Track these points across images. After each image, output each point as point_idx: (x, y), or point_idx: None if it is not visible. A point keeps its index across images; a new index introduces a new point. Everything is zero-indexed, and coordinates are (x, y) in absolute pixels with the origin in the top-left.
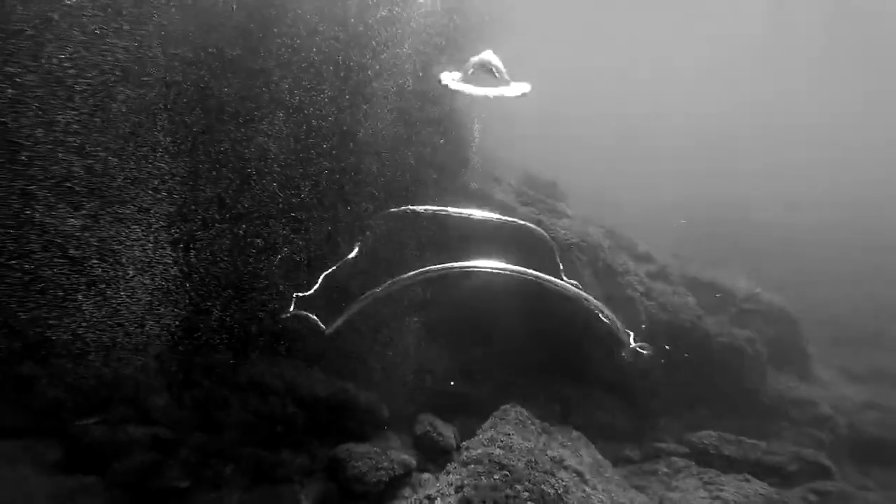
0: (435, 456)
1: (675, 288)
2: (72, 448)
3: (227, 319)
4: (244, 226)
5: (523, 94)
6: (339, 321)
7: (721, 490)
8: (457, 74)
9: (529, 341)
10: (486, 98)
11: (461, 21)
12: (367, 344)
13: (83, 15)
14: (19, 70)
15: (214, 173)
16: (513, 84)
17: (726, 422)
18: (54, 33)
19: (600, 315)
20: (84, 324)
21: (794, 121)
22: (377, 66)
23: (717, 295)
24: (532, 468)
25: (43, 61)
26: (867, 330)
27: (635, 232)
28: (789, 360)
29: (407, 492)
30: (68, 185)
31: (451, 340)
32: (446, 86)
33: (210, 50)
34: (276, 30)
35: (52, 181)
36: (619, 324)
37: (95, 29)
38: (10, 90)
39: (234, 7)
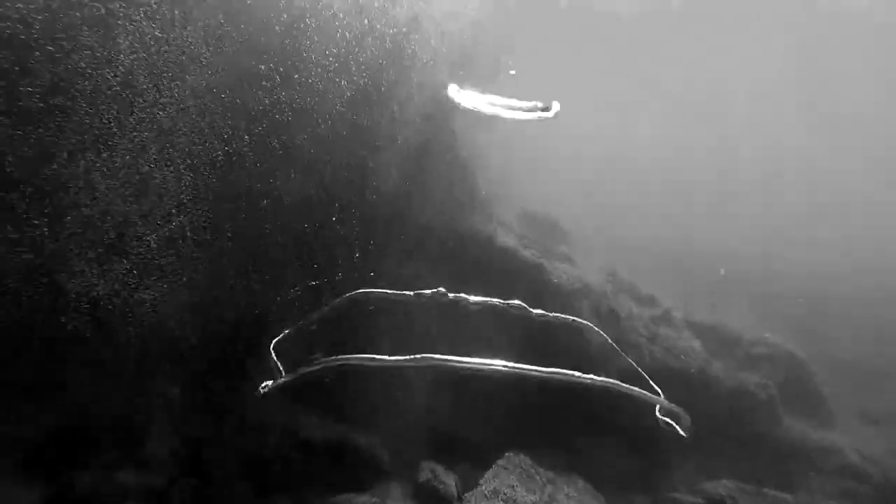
0: None
1: (680, 332)
2: (57, 498)
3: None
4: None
5: (541, 117)
6: (273, 384)
7: None
8: (470, 93)
9: (535, 385)
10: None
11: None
12: (374, 385)
13: None
14: None
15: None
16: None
17: (742, 469)
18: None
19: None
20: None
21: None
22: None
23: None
24: None
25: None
26: (876, 370)
27: (646, 275)
28: (804, 404)
29: None
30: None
31: (456, 383)
32: (458, 103)
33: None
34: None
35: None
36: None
37: None
38: None
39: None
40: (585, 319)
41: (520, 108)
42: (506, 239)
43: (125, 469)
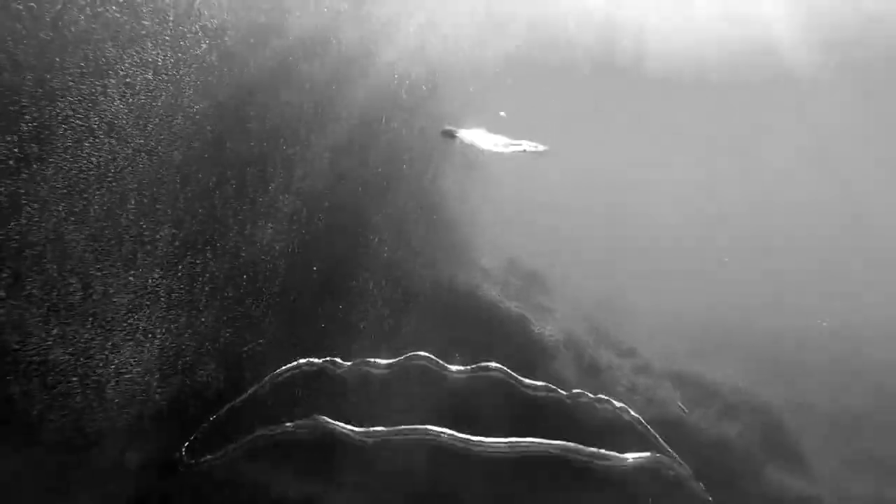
0: None
1: (660, 382)
2: None
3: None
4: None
5: (539, 152)
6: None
7: None
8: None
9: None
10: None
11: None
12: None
13: None
14: None
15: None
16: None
17: None
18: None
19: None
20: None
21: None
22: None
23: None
24: None
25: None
26: (850, 416)
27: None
28: (782, 453)
29: None
30: None
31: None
32: (455, 138)
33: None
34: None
35: None
36: None
37: None
38: None
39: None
40: (567, 372)
41: (512, 145)
42: (490, 291)
43: None
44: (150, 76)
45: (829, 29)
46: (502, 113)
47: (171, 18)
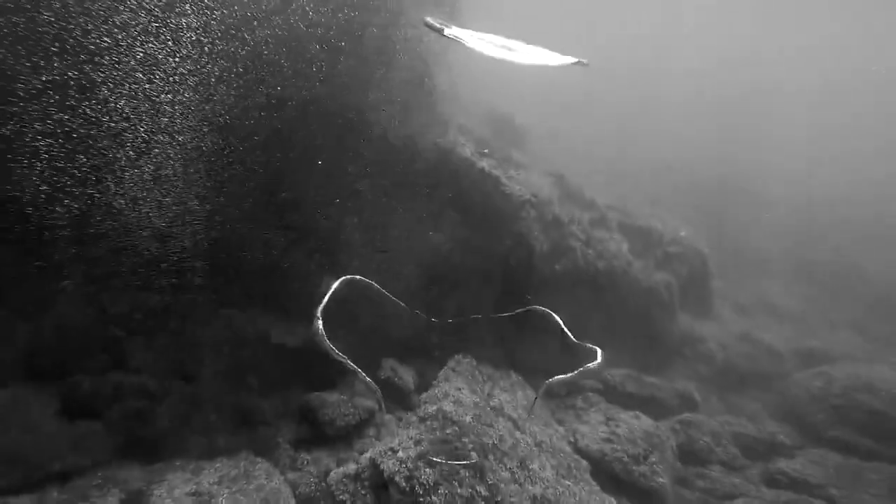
0: (395, 397)
1: (613, 234)
2: (68, 397)
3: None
4: None
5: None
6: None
7: (617, 426)
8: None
9: (482, 289)
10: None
11: None
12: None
13: None
14: None
15: None
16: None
17: (640, 359)
18: None
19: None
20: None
21: None
22: None
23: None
24: (477, 421)
25: None
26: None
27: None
28: (696, 298)
29: (371, 431)
30: None
31: (411, 286)
32: (439, 30)
33: None
34: None
35: None
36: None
37: None
38: None
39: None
40: (533, 227)
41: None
42: (463, 149)
43: (117, 372)
44: None
45: None
46: None
47: None
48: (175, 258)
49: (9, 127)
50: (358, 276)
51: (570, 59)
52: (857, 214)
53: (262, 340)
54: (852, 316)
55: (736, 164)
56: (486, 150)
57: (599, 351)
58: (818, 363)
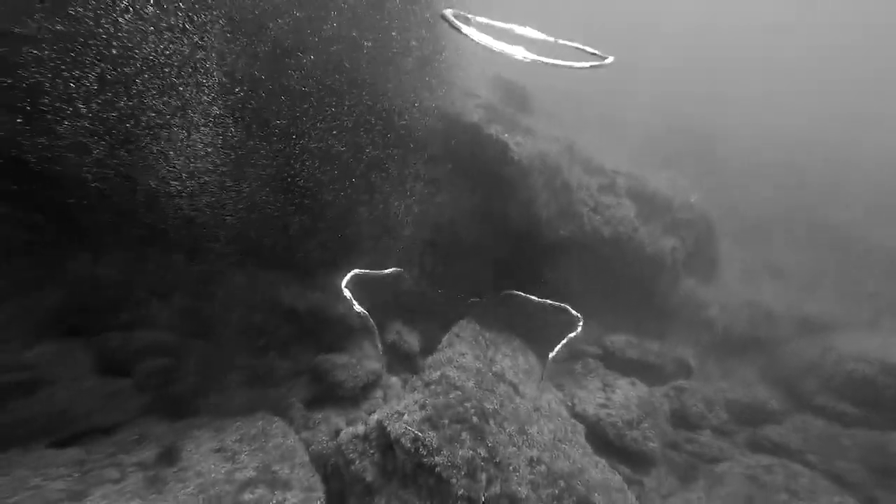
0: (401, 359)
1: (621, 200)
2: (100, 355)
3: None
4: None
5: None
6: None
7: (613, 392)
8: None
9: (487, 254)
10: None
11: None
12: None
13: None
14: None
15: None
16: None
17: (642, 323)
18: None
19: None
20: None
21: None
22: None
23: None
24: (478, 386)
25: None
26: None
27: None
28: (701, 263)
29: (378, 393)
30: None
31: (415, 251)
32: (456, 27)
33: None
34: None
35: None
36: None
37: None
38: None
39: None
40: (541, 193)
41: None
42: (471, 115)
43: (141, 329)
44: None
45: None
46: None
47: None
48: (198, 224)
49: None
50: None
51: (586, 63)
52: (877, 180)
53: (274, 304)
54: (862, 281)
55: (754, 127)
56: (492, 117)
57: (581, 321)
58: (819, 330)
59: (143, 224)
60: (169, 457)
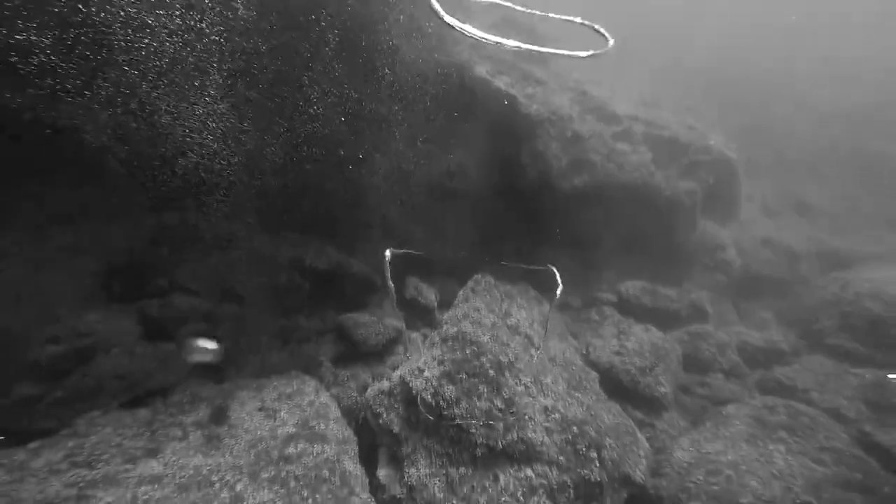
0: (420, 314)
1: (636, 147)
2: (144, 321)
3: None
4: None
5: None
6: None
7: (628, 339)
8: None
9: (499, 207)
10: None
11: None
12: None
13: None
14: None
15: None
16: None
17: (659, 269)
18: None
19: None
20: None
21: None
22: None
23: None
24: (494, 341)
25: None
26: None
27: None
28: (722, 204)
29: (399, 348)
30: None
31: (430, 207)
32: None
33: None
34: None
35: None
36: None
37: None
38: None
39: None
40: (551, 144)
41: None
42: (479, 68)
43: (178, 295)
44: None
45: None
46: None
47: None
48: (222, 186)
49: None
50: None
51: (583, 52)
52: None
53: (296, 264)
54: (886, 209)
55: (779, 61)
56: (500, 68)
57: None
58: (840, 266)
59: (166, 187)
60: (219, 416)
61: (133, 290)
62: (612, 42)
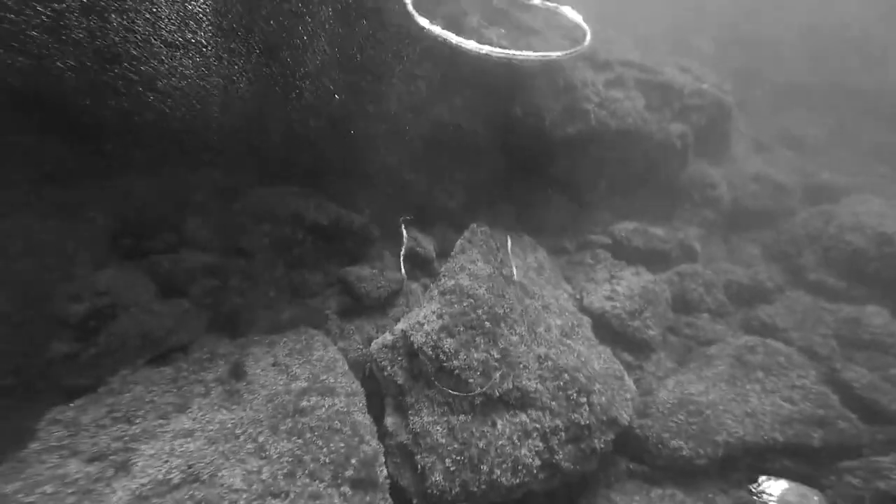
0: (420, 264)
1: (629, 93)
2: (157, 277)
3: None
4: None
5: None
6: None
7: (619, 283)
8: None
9: (493, 158)
10: None
11: None
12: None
13: None
14: None
15: None
16: None
17: (650, 209)
18: None
19: None
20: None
21: None
22: None
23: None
24: (490, 292)
25: None
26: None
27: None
28: (714, 144)
29: (401, 300)
30: None
31: (428, 157)
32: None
33: None
34: None
35: None
36: None
37: None
38: None
39: None
40: (543, 94)
41: None
42: (470, 19)
43: (186, 250)
44: None
45: None
46: None
47: None
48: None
49: None
50: None
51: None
52: None
53: (298, 216)
54: (879, 140)
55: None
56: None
57: None
58: (827, 199)
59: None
60: (237, 372)
61: (143, 247)
62: (589, 38)
